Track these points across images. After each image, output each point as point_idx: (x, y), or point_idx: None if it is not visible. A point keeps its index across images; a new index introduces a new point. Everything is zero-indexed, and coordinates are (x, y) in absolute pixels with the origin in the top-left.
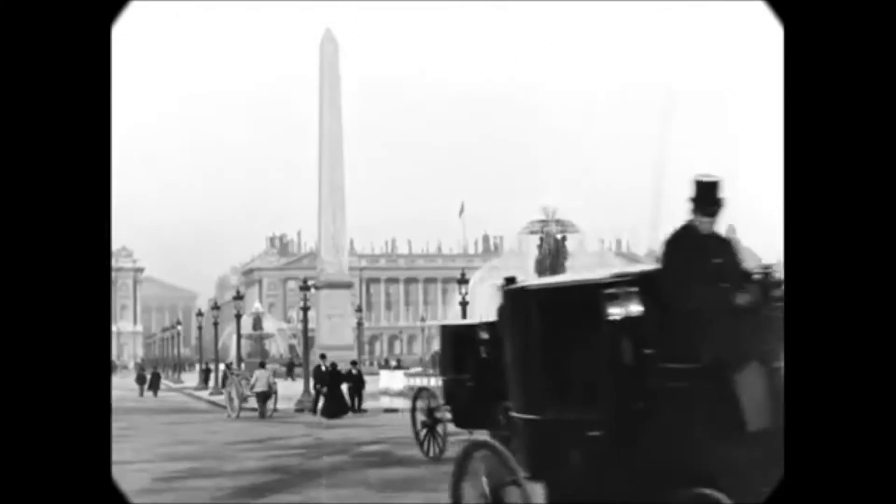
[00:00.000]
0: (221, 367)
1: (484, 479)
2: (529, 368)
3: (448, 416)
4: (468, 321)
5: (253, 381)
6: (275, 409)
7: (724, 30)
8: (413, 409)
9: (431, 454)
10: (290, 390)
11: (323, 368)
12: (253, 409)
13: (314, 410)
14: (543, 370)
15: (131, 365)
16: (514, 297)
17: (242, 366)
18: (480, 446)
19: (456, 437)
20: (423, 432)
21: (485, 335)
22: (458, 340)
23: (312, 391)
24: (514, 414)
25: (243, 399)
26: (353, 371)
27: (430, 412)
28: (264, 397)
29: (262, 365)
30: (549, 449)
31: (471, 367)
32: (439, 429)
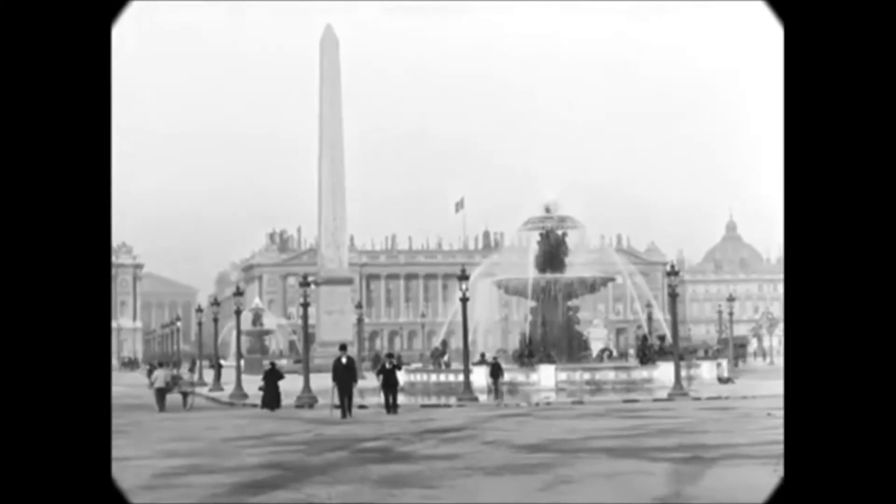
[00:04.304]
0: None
1: None
2: None
3: None
4: None
5: (153, 378)
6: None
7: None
8: None
9: None
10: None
11: (343, 362)
12: (253, 406)
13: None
14: None
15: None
16: None
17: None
18: None
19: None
20: None
21: None
22: None
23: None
24: None
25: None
26: (387, 365)
27: None
28: (162, 393)
29: (161, 364)
30: None
31: None
32: None
